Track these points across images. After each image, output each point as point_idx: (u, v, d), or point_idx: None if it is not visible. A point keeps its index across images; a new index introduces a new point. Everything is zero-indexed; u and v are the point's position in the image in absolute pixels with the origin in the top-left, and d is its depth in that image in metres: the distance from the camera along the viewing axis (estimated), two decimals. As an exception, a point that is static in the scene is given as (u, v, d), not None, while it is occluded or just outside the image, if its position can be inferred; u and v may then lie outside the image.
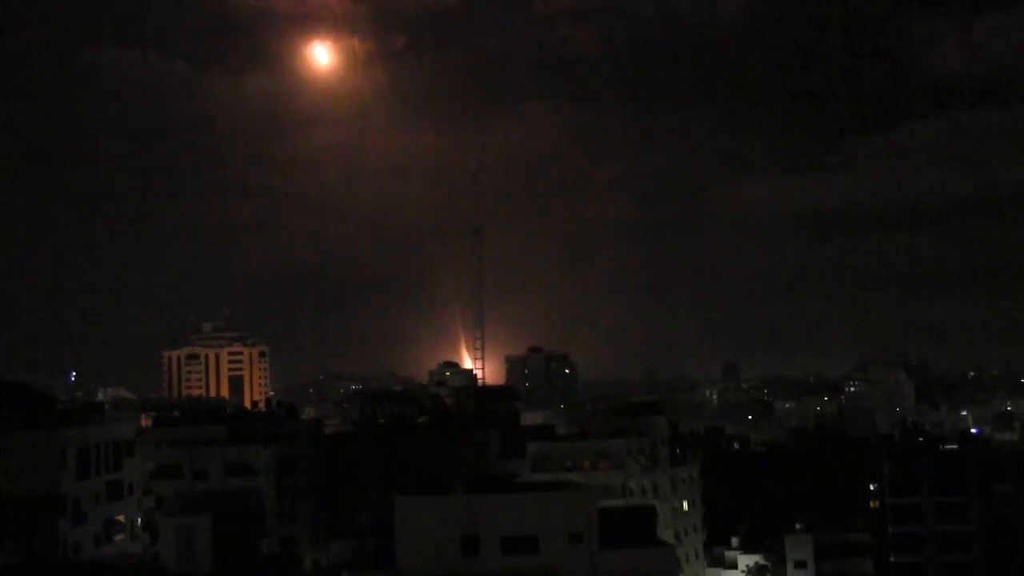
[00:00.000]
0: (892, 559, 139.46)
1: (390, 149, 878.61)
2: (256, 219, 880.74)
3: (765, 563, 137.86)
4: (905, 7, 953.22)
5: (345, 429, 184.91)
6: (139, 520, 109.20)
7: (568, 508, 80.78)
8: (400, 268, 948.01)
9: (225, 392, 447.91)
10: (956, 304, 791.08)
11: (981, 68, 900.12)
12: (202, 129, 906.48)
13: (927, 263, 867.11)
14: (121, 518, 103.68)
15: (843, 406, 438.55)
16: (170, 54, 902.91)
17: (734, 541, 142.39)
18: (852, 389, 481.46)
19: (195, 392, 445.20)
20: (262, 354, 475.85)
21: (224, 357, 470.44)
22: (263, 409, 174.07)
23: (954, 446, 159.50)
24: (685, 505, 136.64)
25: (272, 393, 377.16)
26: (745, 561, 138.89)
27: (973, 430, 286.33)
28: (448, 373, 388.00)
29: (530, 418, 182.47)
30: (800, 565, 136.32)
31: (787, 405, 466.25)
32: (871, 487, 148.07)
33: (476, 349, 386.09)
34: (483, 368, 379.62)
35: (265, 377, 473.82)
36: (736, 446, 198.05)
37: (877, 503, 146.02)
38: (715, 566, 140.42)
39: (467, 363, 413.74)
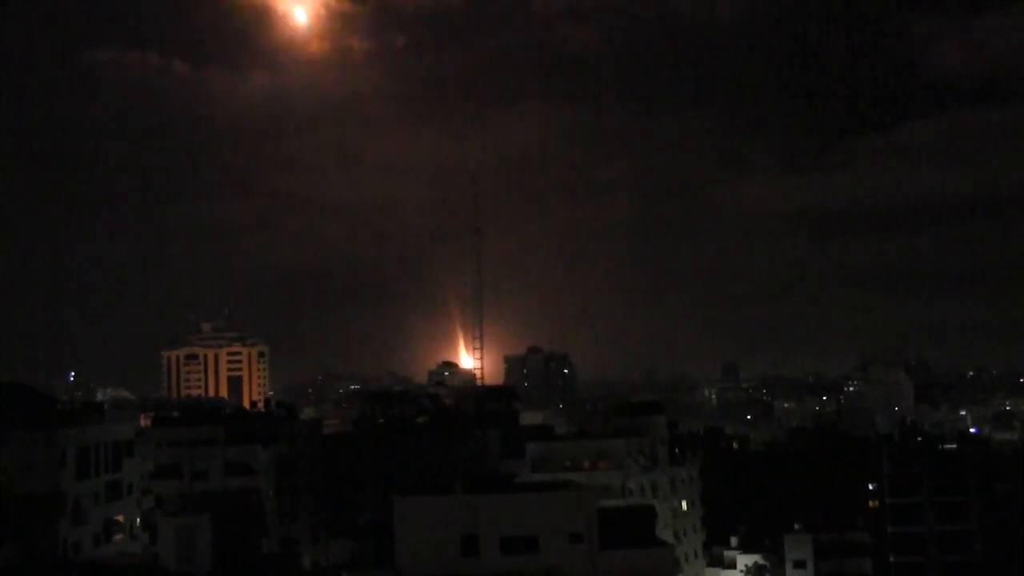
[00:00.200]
0: (891, 559, 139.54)
1: (390, 149, 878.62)
2: (256, 219, 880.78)
3: (764, 563, 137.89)
4: (905, 7, 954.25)
5: (344, 429, 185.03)
6: (138, 520, 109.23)
7: (568, 508, 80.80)
8: (400, 268, 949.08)
9: (224, 392, 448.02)
10: (956, 304, 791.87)
11: (981, 68, 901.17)
12: (202, 129, 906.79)
13: (927, 263, 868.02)
14: (120, 518, 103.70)
15: (842, 406, 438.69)
16: (170, 54, 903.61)
17: (733, 541, 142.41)
18: (851, 389, 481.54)
19: (194, 392, 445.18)
20: (261, 354, 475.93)
21: (223, 357, 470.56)
22: (262, 409, 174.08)
23: (953, 446, 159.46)
24: (684, 505, 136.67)
25: (271, 393, 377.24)
26: (744, 561, 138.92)
27: (972, 430, 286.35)
28: (447, 373, 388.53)
29: (529, 418, 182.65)
30: (799, 565, 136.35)
31: (786, 405, 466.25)
32: (870, 487, 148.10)
33: (475, 345, 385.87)
34: (482, 361, 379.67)
35: (264, 377, 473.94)
36: (735, 446, 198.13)
37: (876, 503, 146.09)
38: (714, 566, 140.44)
39: (466, 360, 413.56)
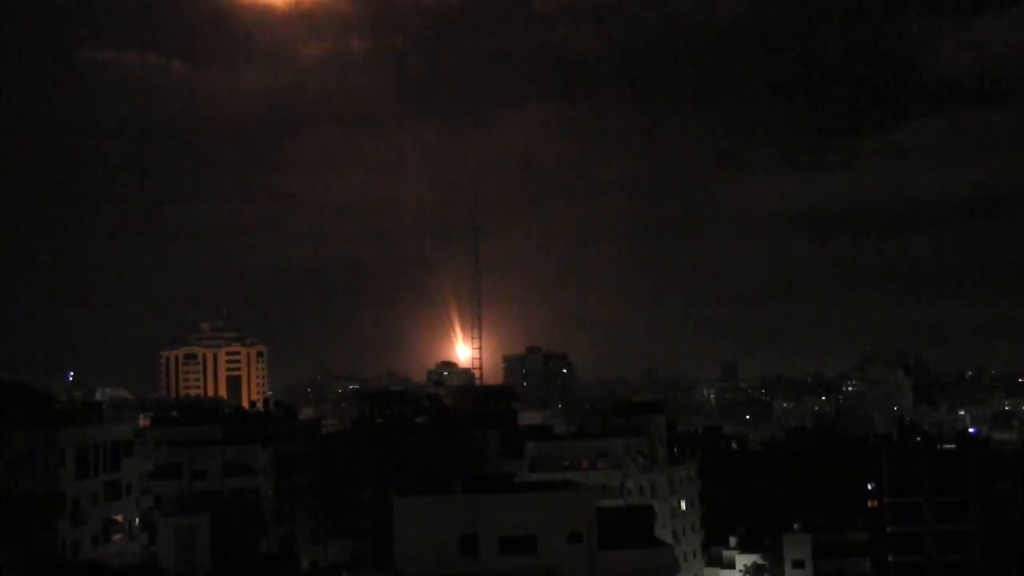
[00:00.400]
0: (890, 559, 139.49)
1: (390, 149, 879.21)
2: (255, 219, 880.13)
3: (763, 562, 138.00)
4: (905, 7, 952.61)
5: (343, 429, 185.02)
6: (137, 520, 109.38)
7: (567, 508, 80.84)
8: (400, 268, 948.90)
9: (223, 392, 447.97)
10: (955, 304, 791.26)
11: (981, 68, 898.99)
12: (201, 129, 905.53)
13: (927, 263, 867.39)
14: (120, 518, 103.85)
15: (841, 406, 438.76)
16: (169, 54, 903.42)
17: (732, 541, 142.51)
18: (850, 389, 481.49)
19: (193, 392, 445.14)
20: (260, 354, 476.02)
21: (222, 357, 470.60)
22: (261, 409, 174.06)
23: (952, 446, 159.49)
24: (683, 505, 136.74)
25: (270, 393, 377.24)
26: (743, 561, 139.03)
27: (971, 430, 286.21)
28: (446, 373, 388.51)
29: (528, 418, 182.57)
30: (798, 564, 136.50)
31: (785, 405, 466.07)
32: (869, 487, 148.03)
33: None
34: (481, 361, 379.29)
35: (263, 377, 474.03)
36: (734, 446, 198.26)
37: (875, 503, 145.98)
38: (713, 565, 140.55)
39: (465, 351, 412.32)
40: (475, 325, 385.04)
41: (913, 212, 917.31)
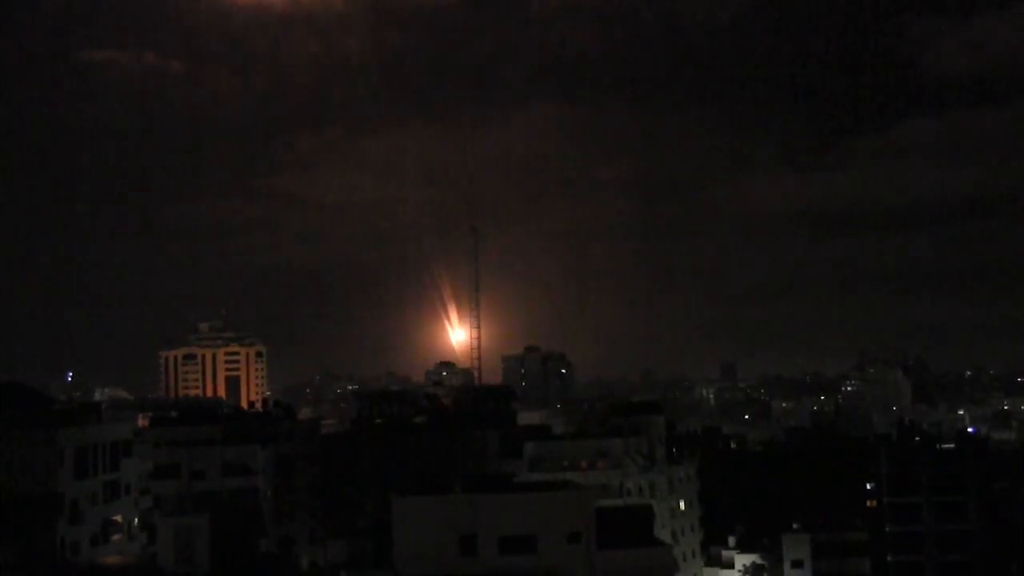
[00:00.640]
0: (890, 558, 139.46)
1: (389, 149, 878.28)
2: (254, 219, 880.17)
3: (762, 562, 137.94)
4: (905, 7, 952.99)
5: (342, 429, 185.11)
6: (136, 520, 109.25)
7: (566, 508, 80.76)
8: (399, 268, 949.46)
9: (222, 392, 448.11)
10: (954, 304, 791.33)
11: (981, 68, 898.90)
12: (200, 129, 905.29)
13: (926, 263, 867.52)
14: (119, 518, 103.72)
15: (840, 406, 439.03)
16: (168, 54, 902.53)
17: (731, 540, 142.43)
18: (849, 388, 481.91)
19: (192, 392, 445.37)
20: (259, 354, 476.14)
21: (221, 357, 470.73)
22: (260, 409, 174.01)
23: (951, 445, 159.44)
24: (682, 504, 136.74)
25: (269, 393, 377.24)
26: (742, 560, 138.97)
27: (970, 429, 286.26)
28: (445, 373, 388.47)
29: (527, 418, 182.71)
30: (797, 564, 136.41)
31: (784, 404, 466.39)
32: (868, 486, 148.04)
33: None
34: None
35: (262, 377, 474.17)
36: (733, 445, 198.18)
37: (874, 502, 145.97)
38: (712, 565, 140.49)
39: (462, 334, 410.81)
40: (474, 325, 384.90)
41: (913, 212, 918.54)
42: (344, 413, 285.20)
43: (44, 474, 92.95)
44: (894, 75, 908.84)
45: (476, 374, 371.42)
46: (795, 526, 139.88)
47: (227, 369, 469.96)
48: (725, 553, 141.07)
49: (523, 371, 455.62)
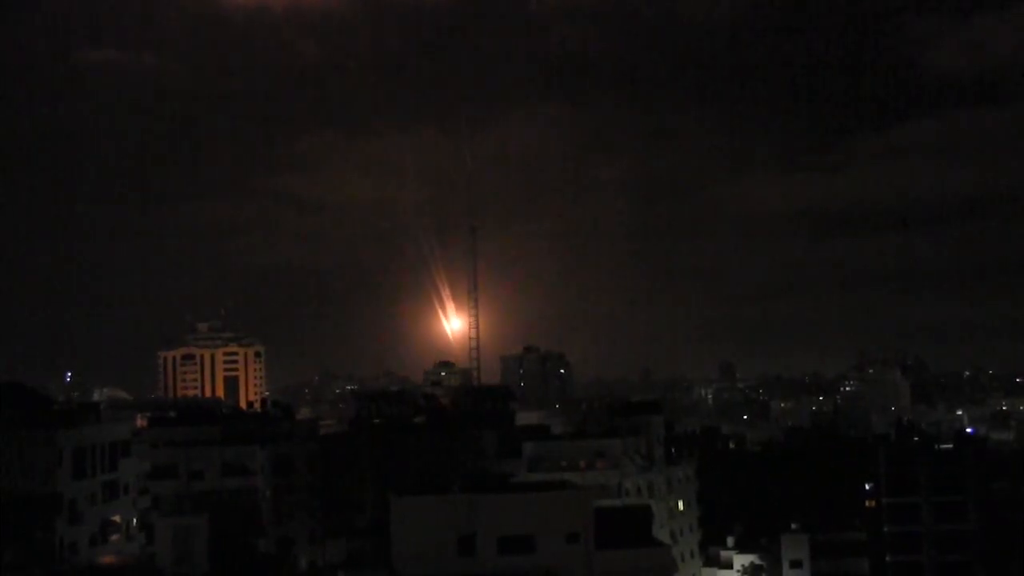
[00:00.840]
0: (888, 559, 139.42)
1: (388, 149, 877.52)
2: (253, 219, 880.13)
3: (760, 563, 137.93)
4: (905, 7, 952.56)
5: (341, 429, 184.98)
6: (135, 520, 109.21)
7: (565, 508, 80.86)
8: (397, 268, 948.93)
9: (220, 392, 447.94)
10: (954, 304, 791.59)
11: (981, 68, 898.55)
12: (202, 129, 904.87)
13: (926, 263, 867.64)
14: (117, 518, 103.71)
15: (839, 406, 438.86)
16: (167, 54, 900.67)
17: (730, 541, 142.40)
18: (848, 388, 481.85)
19: (190, 392, 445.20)
20: (257, 354, 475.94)
21: (219, 357, 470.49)
22: (259, 409, 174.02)
23: (950, 446, 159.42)
24: (681, 505, 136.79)
25: (268, 393, 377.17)
26: (741, 561, 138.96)
27: (969, 430, 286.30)
28: (444, 373, 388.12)
29: (526, 418, 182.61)
30: (796, 564, 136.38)
31: (783, 405, 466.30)
32: (867, 487, 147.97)
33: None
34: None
35: (260, 377, 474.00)
36: (732, 446, 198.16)
37: (873, 502, 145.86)
38: (711, 566, 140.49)
39: (458, 322, 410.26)
40: (472, 325, 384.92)
41: (912, 212, 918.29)
42: (343, 413, 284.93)
43: (43, 474, 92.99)
44: (894, 75, 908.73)
45: (475, 374, 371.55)
46: (794, 526, 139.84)
47: (226, 369, 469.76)
48: (724, 553, 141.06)
49: (522, 371, 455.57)
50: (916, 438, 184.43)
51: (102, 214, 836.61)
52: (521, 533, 78.28)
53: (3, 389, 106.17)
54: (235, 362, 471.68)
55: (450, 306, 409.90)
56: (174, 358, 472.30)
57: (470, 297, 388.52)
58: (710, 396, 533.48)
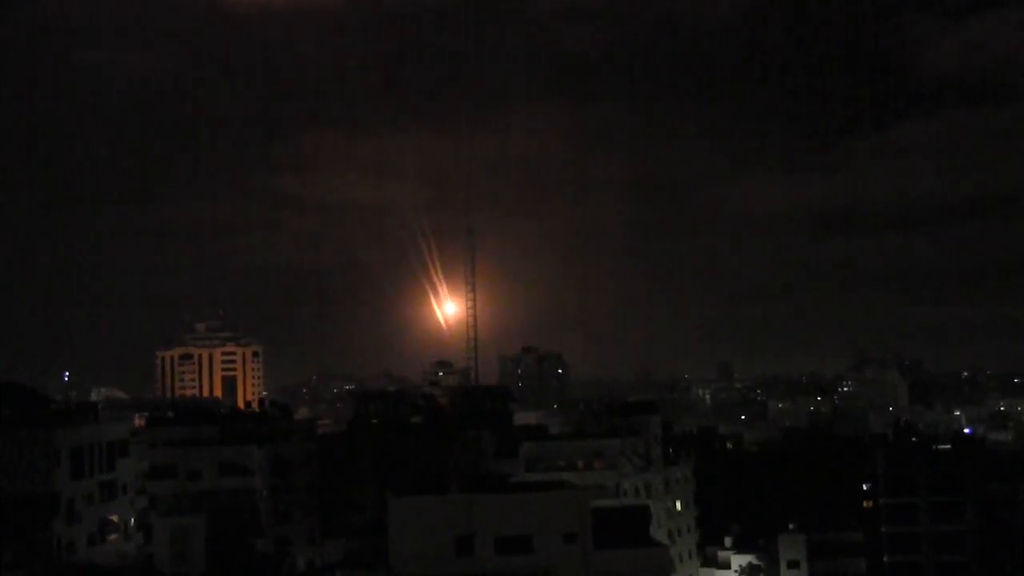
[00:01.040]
0: (886, 559, 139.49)
1: (387, 149, 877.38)
2: (251, 219, 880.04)
3: (758, 563, 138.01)
4: (904, 7, 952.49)
5: (339, 429, 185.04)
6: (133, 520, 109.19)
7: (562, 508, 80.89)
8: (395, 268, 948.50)
9: (218, 392, 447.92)
10: (952, 304, 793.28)
11: (980, 68, 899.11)
12: (200, 129, 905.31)
13: (924, 263, 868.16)
14: (115, 518, 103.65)
15: (837, 406, 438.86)
16: (168, 54, 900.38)
17: (727, 541, 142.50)
18: (846, 389, 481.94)
19: (188, 392, 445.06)
20: (255, 354, 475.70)
21: (217, 357, 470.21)
22: (256, 409, 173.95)
23: (947, 446, 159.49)
24: (678, 505, 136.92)
25: (265, 393, 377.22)
26: (738, 561, 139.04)
27: (966, 430, 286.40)
28: (441, 373, 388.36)
29: (523, 418, 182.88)
30: (793, 565, 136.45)
31: (781, 405, 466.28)
32: (865, 487, 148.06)
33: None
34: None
35: (258, 377, 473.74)
36: (730, 446, 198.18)
37: (871, 503, 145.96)
38: (708, 566, 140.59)
39: (452, 307, 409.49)
40: (470, 326, 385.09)
41: (912, 212, 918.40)
42: (340, 413, 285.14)
43: (41, 474, 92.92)
44: (894, 75, 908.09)
45: (473, 374, 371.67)
46: (791, 526, 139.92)
47: (223, 369, 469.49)
48: (721, 553, 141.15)
49: (520, 371, 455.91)
50: (914, 438, 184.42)
51: (102, 214, 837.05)
52: (519, 533, 78.33)
53: (1, 389, 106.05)
54: (233, 362, 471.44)
55: (448, 306, 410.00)
56: (172, 358, 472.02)
57: (468, 297, 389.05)
58: (708, 396, 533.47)
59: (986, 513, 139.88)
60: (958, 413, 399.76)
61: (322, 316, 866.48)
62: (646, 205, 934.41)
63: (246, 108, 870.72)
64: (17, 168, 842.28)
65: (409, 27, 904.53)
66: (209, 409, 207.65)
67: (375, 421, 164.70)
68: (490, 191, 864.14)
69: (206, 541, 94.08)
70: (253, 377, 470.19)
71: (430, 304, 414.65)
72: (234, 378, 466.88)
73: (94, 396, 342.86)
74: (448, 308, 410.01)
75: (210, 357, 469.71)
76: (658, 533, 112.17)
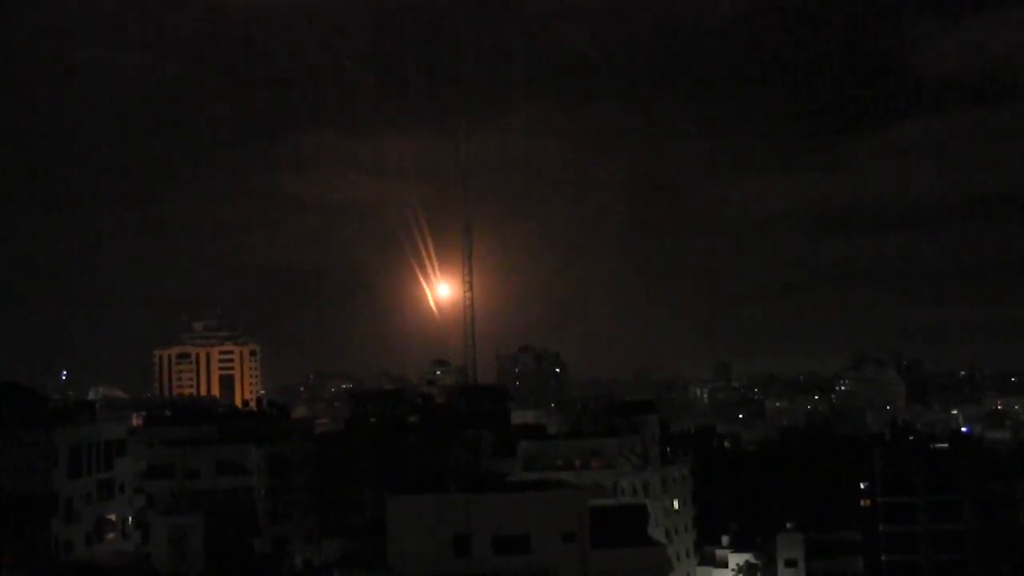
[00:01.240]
0: (883, 558, 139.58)
1: (385, 149, 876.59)
2: (250, 219, 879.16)
3: (756, 562, 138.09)
4: (903, 7, 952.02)
5: (337, 428, 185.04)
6: (130, 519, 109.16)
7: (560, 507, 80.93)
8: (393, 267, 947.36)
9: (216, 391, 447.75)
10: (950, 304, 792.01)
11: (980, 68, 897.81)
12: (200, 129, 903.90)
13: (924, 263, 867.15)
14: (113, 517, 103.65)
15: (835, 405, 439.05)
16: (167, 54, 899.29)
17: (725, 540, 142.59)
18: (844, 388, 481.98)
19: (186, 391, 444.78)
20: (253, 353, 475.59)
21: (215, 356, 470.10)
22: (254, 408, 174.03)
23: (945, 445, 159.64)
24: (676, 504, 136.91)
25: (263, 392, 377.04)
26: (736, 560, 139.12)
27: (964, 429, 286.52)
28: (439, 372, 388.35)
29: (521, 417, 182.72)
30: (791, 564, 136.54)
31: (779, 404, 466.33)
32: (862, 486, 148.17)
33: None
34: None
35: (256, 376, 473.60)
36: (727, 445, 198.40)
37: (868, 502, 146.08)
38: (706, 565, 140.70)
39: (446, 290, 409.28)
40: (468, 325, 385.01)
41: (912, 212, 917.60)
42: (338, 412, 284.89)
43: (39, 473, 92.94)
44: (894, 75, 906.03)
45: (470, 373, 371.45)
46: (789, 525, 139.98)
47: (221, 368, 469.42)
48: (719, 552, 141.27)
49: (518, 370, 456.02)
50: (912, 438, 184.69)
51: (100, 214, 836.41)
52: (517, 532, 78.34)
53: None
54: (231, 361, 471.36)
55: (446, 305, 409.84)
56: (170, 357, 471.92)
57: (466, 296, 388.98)
58: (706, 396, 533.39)
59: (984, 512, 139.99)
60: (956, 412, 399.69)
61: (319, 315, 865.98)
62: (646, 205, 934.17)
63: (246, 108, 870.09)
64: (17, 168, 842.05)
65: (409, 27, 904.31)
66: (207, 408, 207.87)
67: (373, 420, 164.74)
68: (489, 191, 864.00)
69: (204, 540, 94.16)
70: (251, 376, 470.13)
71: (427, 303, 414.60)
72: (232, 377, 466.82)
73: (92, 395, 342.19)
74: (446, 307, 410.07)
75: (208, 356, 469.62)
76: (656, 532, 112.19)
